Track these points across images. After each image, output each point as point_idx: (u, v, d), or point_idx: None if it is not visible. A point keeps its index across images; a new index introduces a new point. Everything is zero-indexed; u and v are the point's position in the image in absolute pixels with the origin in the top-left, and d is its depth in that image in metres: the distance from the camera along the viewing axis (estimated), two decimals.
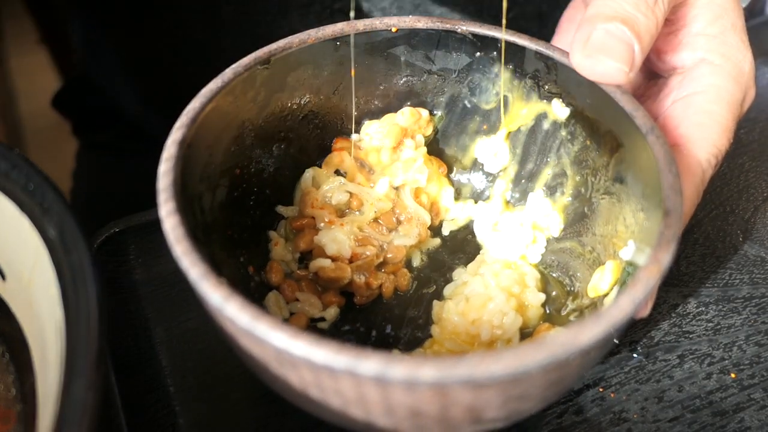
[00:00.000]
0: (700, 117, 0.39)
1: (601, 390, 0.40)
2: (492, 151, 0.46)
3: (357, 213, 0.44)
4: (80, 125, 0.80)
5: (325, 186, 0.44)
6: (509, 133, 0.45)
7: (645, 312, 0.39)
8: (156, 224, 0.38)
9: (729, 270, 0.46)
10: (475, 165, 0.47)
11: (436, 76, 0.45)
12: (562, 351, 0.27)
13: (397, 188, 0.45)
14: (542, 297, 0.41)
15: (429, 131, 0.46)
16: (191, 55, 0.64)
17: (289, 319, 0.41)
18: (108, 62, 0.70)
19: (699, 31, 0.42)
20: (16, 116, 1.39)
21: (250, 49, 0.40)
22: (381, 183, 0.44)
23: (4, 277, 0.37)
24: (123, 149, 0.76)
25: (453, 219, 0.47)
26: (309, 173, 0.44)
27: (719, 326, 0.43)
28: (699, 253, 0.47)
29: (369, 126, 0.45)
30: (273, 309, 0.41)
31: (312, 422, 0.38)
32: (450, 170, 0.47)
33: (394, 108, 0.46)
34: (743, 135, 0.55)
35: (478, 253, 0.45)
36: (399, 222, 0.44)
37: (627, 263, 0.37)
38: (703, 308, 0.44)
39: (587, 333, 0.28)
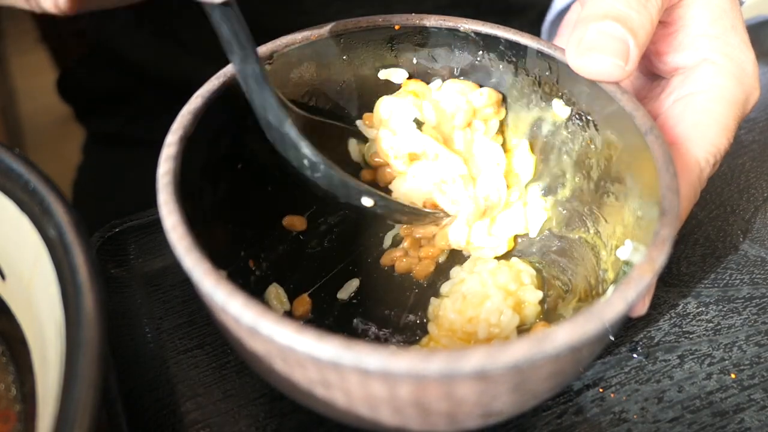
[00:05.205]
0: (699, 116, 0.39)
1: (601, 390, 0.40)
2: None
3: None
4: (85, 111, 0.79)
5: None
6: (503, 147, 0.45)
7: (642, 310, 0.39)
8: (156, 224, 0.38)
9: (729, 270, 0.46)
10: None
11: (438, 74, 0.45)
12: (552, 348, 0.28)
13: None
14: (539, 294, 0.41)
15: (502, 115, 0.45)
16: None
17: (293, 303, 0.42)
18: (122, 18, 0.70)
19: (700, 33, 0.41)
20: (17, 116, 1.39)
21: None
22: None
23: (4, 277, 0.37)
24: (129, 138, 0.75)
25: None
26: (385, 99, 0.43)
27: (719, 326, 0.43)
28: (699, 254, 0.47)
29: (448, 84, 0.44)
30: (274, 303, 0.41)
31: (311, 422, 0.38)
32: None
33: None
34: (743, 135, 0.55)
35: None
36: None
37: (624, 262, 0.37)
38: (703, 308, 0.44)
39: (580, 330, 0.28)
